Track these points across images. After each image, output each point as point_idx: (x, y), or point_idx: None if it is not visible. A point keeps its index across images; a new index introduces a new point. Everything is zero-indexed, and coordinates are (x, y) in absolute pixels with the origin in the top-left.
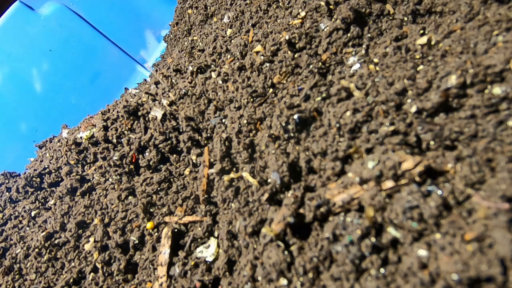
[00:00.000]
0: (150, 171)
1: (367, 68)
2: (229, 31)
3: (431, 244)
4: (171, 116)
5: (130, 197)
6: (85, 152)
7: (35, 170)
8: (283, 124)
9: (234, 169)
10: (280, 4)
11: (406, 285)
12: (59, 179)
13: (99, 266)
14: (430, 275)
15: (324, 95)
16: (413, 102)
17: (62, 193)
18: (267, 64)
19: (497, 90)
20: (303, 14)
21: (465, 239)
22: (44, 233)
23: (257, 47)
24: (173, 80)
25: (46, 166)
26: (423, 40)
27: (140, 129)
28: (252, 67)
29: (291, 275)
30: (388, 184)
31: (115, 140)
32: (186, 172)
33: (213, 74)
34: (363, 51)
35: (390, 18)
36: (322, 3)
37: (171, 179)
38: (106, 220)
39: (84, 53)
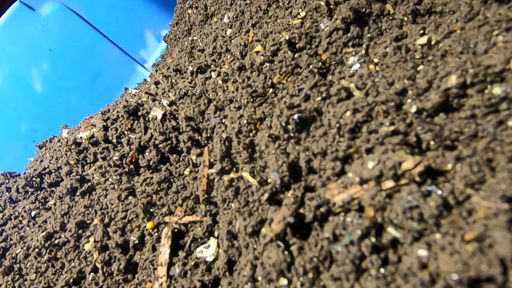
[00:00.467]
0: (150, 171)
1: (367, 68)
2: (229, 31)
3: (431, 244)
4: (171, 116)
5: (130, 197)
6: (85, 152)
7: (35, 170)
8: (283, 124)
9: (234, 169)
10: (280, 4)
11: (406, 285)
12: (59, 179)
13: (99, 266)
14: (430, 275)
15: (324, 95)
16: (413, 102)
17: (62, 193)
18: (267, 64)
19: (497, 90)
20: (303, 14)
21: (465, 239)
22: (44, 233)
23: (257, 47)
24: (173, 80)
25: (46, 166)
26: (423, 40)
27: (140, 129)
28: (252, 67)
29: (291, 275)
30: (388, 184)
31: (115, 140)
32: (186, 172)
33: (213, 74)
34: (363, 51)
35: (390, 18)
36: (322, 3)
37: (171, 179)
38: (106, 220)
39: (84, 53)
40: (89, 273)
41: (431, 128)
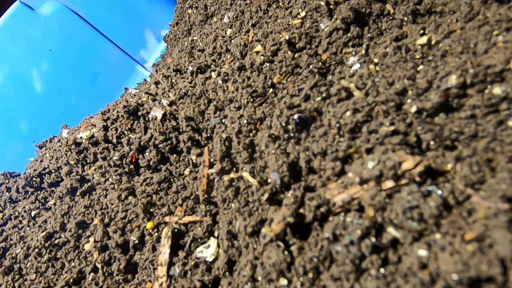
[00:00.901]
0: (150, 171)
1: (367, 68)
2: (229, 31)
3: (431, 244)
4: (171, 116)
5: (130, 197)
6: (85, 152)
7: (35, 170)
8: (283, 124)
9: (234, 169)
10: (280, 4)
11: (406, 285)
12: (59, 179)
13: (99, 266)
14: (430, 275)
15: (324, 95)
16: (413, 102)
17: (62, 193)
18: (267, 64)
19: (497, 90)
20: (303, 14)
21: (465, 239)
22: (44, 233)
23: (257, 47)
24: (173, 80)
25: (46, 166)
26: (423, 40)
27: (140, 129)
28: (252, 67)
29: (291, 275)
30: (388, 184)
31: (115, 140)
32: (186, 172)
33: (213, 74)
34: (363, 51)
35: (390, 18)
36: (322, 3)
37: (171, 179)
38: (106, 220)
39: (84, 53)
40: (89, 273)
41: (431, 128)
